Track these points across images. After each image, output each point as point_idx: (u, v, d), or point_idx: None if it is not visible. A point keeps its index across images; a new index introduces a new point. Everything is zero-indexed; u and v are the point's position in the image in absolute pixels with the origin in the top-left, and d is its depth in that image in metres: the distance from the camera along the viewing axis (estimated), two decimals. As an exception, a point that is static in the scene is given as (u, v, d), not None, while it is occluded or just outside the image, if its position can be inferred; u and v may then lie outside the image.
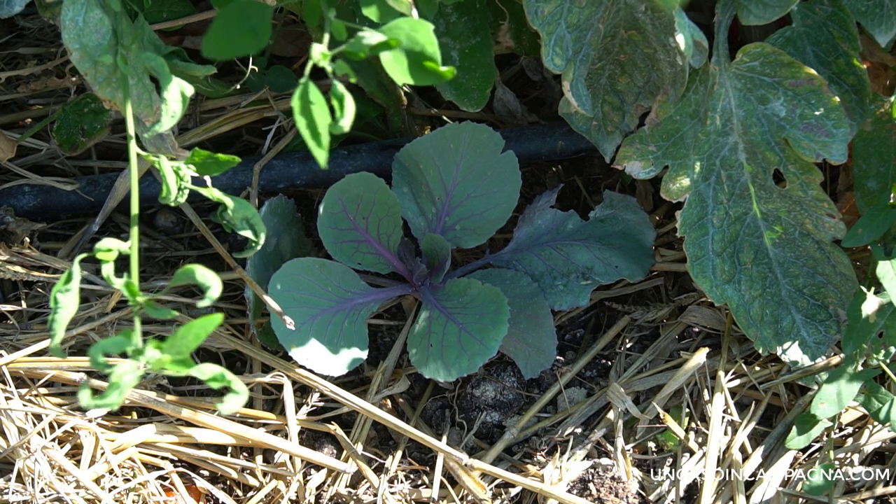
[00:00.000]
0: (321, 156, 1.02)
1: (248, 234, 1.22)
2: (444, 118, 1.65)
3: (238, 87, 1.56)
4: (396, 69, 1.04)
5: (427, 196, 1.52)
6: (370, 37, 1.01)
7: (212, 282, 1.02)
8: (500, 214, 1.52)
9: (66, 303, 1.06)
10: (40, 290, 1.52)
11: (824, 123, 1.35)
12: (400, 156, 1.52)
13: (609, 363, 1.50)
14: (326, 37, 1.04)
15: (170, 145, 1.33)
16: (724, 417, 1.42)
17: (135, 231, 1.11)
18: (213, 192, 1.20)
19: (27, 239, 1.55)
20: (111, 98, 1.23)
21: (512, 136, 1.56)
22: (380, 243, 1.49)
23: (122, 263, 1.59)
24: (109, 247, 1.08)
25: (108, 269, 1.07)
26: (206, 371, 1.01)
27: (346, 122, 1.01)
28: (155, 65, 1.13)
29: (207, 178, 1.51)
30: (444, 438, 1.44)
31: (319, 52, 1.01)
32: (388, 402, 1.48)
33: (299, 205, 1.60)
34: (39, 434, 1.35)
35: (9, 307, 1.50)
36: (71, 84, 1.62)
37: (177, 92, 1.12)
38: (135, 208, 1.11)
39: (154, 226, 1.64)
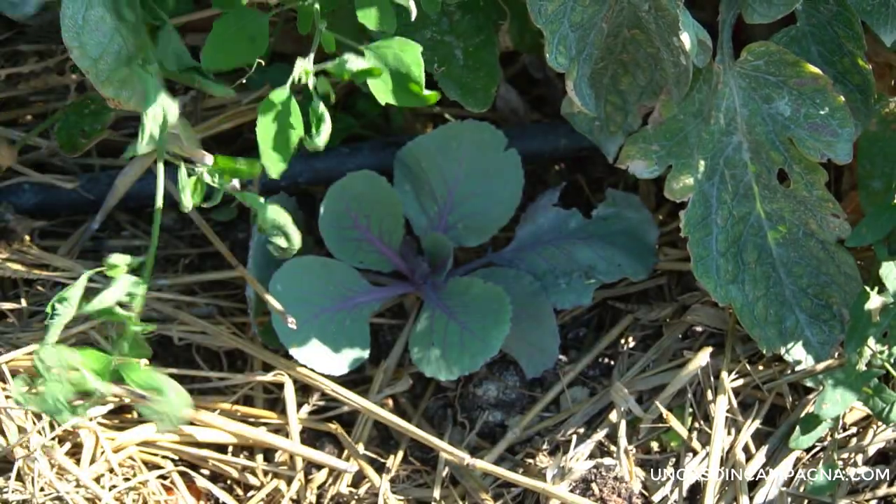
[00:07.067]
0: (275, 170, 1.02)
1: (281, 241, 1.21)
2: (447, 116, 1.64)
3: (243, 81, 1.56)
4: (381, 90, 1.04)
5: (429, 194, 1.52)
6: (353, 62, 1.01)
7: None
8: (503, 213, 1.52)
9: (63, 311, 1.06)
10: (40, 289, 1.51)
11: (829, 123, 1.35)
12: (402, 154, 1.51)
13: (612, 362, 1.49)
14: (313, 50, 1.04)
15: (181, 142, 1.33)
16: (727, 417, 1.41)
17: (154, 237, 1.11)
18: (246, 196, 1.19)
19: (27, 237, 1.55)
20: (115, 97, 1.22)
21: (514, 135, 1.56)
22: (382, 242, 1.49)
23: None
24: (118, 263, 1.08)
25: None
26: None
27: (321, 141, 1.01)
28: (146, 86, 1.12)
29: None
30: (446, 438, 1.44)
31: (302, 69, 1.01)
32: (390, 401, 1.48)
33: (301, 203, 1.60)
34: (39, 433, 1.35)
35: (9, 305, 1.49)
36: (71, 81, 1.62)
37: (157, 114, 1.11)
38: (156, 230, 1.11)
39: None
